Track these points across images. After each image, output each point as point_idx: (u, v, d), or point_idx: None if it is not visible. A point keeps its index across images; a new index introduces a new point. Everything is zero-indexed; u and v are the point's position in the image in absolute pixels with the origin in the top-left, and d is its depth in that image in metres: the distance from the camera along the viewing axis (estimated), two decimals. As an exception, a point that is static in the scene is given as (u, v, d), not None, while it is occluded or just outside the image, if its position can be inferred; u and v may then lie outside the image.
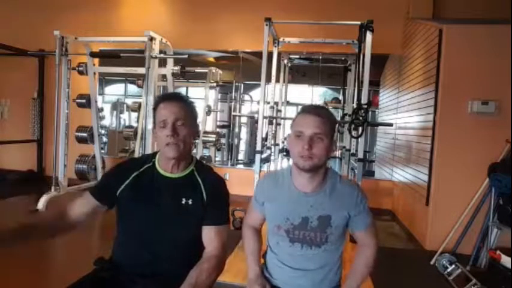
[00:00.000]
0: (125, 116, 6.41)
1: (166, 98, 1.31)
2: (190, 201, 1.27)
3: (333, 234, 1.24)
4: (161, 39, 3.93)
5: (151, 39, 3.75)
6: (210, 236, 1.26)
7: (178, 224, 1.26)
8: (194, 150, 4.69)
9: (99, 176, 4.58)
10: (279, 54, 4.48)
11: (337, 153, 5.34)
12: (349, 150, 4.50)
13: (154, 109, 1.30)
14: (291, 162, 1.29)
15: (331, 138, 1.20)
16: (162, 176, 1.30)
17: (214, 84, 4.99)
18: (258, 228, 1.43)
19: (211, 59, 5.85)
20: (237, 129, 6.25)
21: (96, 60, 4.80)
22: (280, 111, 4.87)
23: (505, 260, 2.54)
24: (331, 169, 1.30)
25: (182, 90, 6.20)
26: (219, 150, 5.60)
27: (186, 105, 1.29)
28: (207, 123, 5.03)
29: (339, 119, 5.37)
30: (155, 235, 1.25)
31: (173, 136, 1.22)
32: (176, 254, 1.26)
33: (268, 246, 1.35)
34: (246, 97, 6.26)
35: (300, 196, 1.25)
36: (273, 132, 4.61)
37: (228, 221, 1.34)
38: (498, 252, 2.62)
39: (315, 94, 6.07)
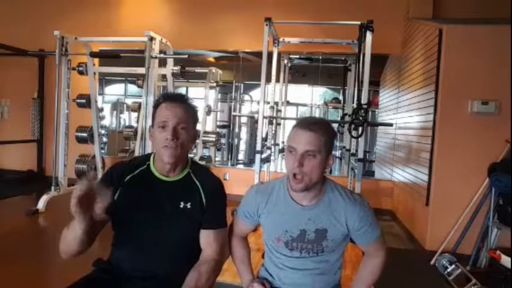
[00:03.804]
0: (125, 116, 6.41)
1: (169, 98, 1.25)
2: (188, 205, 1.25)
3: (329, 246, 1.23)
4: (161, 39, 3.93)
5: (151, 39, 3.75)
6: (208, 239, 1.25)
7: (176, 227, 1.25)
8: (194, 150, 4.69)
9: (99, 176, 4.58)
10: (279, 54, 4.48)
11: (337, 153, 5.35)
12: (349, 150, 4.50)
13: (155, 107, 1.25)
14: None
15: (327, 153, 1.15)
16: (159, 180, 1.27)
17: (214, 84, 4.99)
18: (245, 237, 1.42)
19: (211, 59, 5.85)
20: (237, 129, 6.25)
21: (96, 60, 4.80)
22: (280, 111, 4.88)
23: (505, 260, 2.54)
24: (329, 181, 1.26)
25: (182, 90, 6.21)
26: (219, 150, 5.60)
27: (189, 108, 1.25)
28: (207, 123, 5.03)
29: (339, 119, 5.38)
30: (153, 239, 1.23)
31: (173, 140, 1.18)
32: (174, 257, 1.25)
33: (267, 249, 1.34)
34: (246, 97, 6.26)
35: (298, 209, 1.23)
36: (273, 132, 4.61)
37: (226, 224, 1.33)
38: (498, 252, 2.63)
39: (315, 94, 6.07)
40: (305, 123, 1.15)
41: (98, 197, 1.02)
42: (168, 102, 1.23)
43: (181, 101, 1.25)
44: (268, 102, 4.50)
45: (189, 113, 1.25)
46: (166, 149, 1.19)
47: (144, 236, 1.24)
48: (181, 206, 1.25)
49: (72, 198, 1.00)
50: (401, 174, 4.31)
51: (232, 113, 6.04)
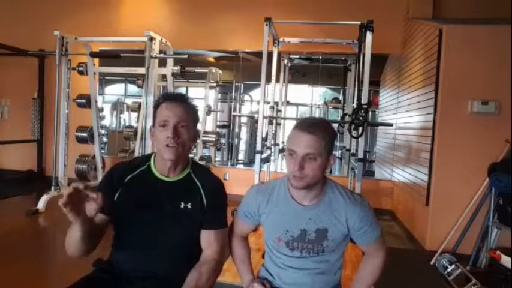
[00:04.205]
0: (125, 116, 6.41)
1: (169, 97, 1.26)
2: (189, 205, 1.25)
3: (329, 246, 1.23)
4: (161, 39, 3.93)
5: (151, 39, 3.75)
6: (209, 239, 1.25)
7: (177, 227, 1.25)
8: (194, 150, 4.69)
9: (99, 176, 4.59)
10: (279, 54, 4.48)
11: (337, 153, 5.35)
12: (349, 150, 4.50)
13: (156, 107, 1.26)
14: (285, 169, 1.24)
15: (327, 154, 1.15)
16: (159, 180, 1.27)
17: (214, 84, 4.99)
18: (245, 237, 1.42)
19: (211, 59, 5.85)
20: (237, 129, 6.25)
21: (96, 60, 4.80)
22: (280, 111, 4.88)
23: (505, 260, 2.54)
24: (330, 181, 1.26)
25: (182, 90, 6.21)
26: (219, 150, 5.60)
27: (189, 108, 1.26)
28: (207, 123, 5.03)
29: (339, 119, 5.38)
30: (153, 239, 1.23)
31: (174, 138, 1.19)
32: (174, 257, 1.25)
33: (267, 249, 1.34)
34: (246, 97, 6.26)
35: (298, 209, 1.23)
36: (273, 132, 4.61)
37: (227, 224, 1.33)
38: (498, 252, 2.63)
39: (315, 94, 6.07)
40: (305, 125, 1.14)
41: (90, 198, 1.02)
42: (168, 102, 1.24)
43: (182, 100, 1.25)
44: (268, 102, 4.50)
45: (190, 112, 1.25)
46: (168, 148, 1.20)
47: (144, 236, 1.24)
48: (182, 206, 1.25)
49: (61, 199, 0.99)
50: (401, 174, 4.31)
51: (232, 113, 6.04)
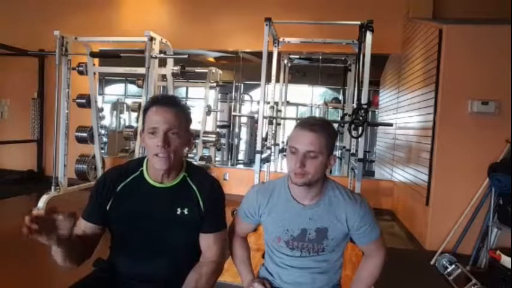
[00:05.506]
0: (125, 116, 6.41)
1: (159, 101, 1.18)
2: (186, 211, 1.21)
3: (329, 246, 1.24)
4: (161, 39, 3.93)
5: (151, 39, 3.75)
6: (208, 243, 1.23)
7: (174, 233, 1.22)
8: (194, 150, 4.69)
9: (99, 176, 4.58)
10: (279, 54, 4.48)
11: (337, 153, 5.35)
12: (349, 150, 4.50)
13: (145, 111, 1.19)
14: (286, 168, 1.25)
15: (328, 153, 1.16)
16: (153, 186, 1.22)
17: (214, 84, 4.99)
18: (245, 237, 1.42)
19: (211, 59, 5.85)
20: (237, 129, 6.25)
21: (96, 60, 4.80)
22: (280, 111, 4.88)
23: (505, 260, 2.54)
24: (330, 181, 1.26)
25: (182, 90, 6.22)
26: (219, 150, 5.60)
27: (180, 112, 1.18)
28: (207, 123, 5.03)
29: (339, 119, 5.39)
30: (151, 247, 1.21)
31: (164, 147, 1.13)
32: (174, 261, 1.23)
33: (267, 248, 1.34)
34: (246, 97, 6.26)
35: (299, 208, 1.23)
36: (273, 132, 4.62)
37: (226, 225, 1.31)
38: (498, 252, 2.63)
39: (315, 94, 6.07)
40: (307, 124, 1.16)
41: (58, 221, 0.95)
42: (157, 106, 1.17)
43: (172, 104, 1.18)
44: (268, 102, 4.50)
45: (180, 116, 1.18)
46: (158, 157, 1.15)
47: (141, 244, 1.22)
48: (178, 212, 1.21)
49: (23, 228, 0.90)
50: (402, 174, 4.31)
51: (232, 113, 6.04)
